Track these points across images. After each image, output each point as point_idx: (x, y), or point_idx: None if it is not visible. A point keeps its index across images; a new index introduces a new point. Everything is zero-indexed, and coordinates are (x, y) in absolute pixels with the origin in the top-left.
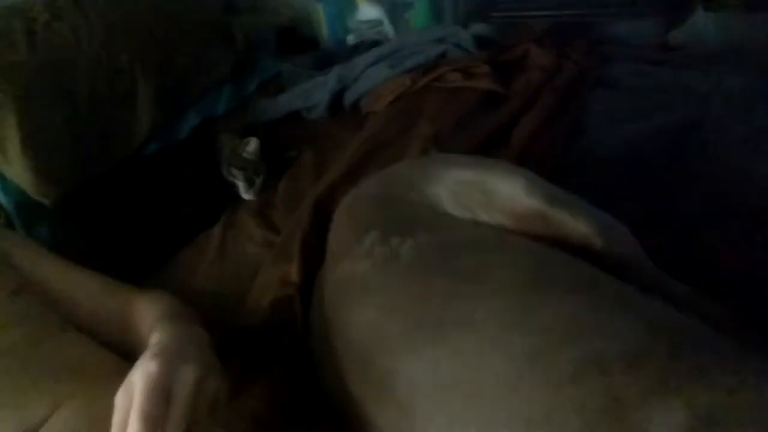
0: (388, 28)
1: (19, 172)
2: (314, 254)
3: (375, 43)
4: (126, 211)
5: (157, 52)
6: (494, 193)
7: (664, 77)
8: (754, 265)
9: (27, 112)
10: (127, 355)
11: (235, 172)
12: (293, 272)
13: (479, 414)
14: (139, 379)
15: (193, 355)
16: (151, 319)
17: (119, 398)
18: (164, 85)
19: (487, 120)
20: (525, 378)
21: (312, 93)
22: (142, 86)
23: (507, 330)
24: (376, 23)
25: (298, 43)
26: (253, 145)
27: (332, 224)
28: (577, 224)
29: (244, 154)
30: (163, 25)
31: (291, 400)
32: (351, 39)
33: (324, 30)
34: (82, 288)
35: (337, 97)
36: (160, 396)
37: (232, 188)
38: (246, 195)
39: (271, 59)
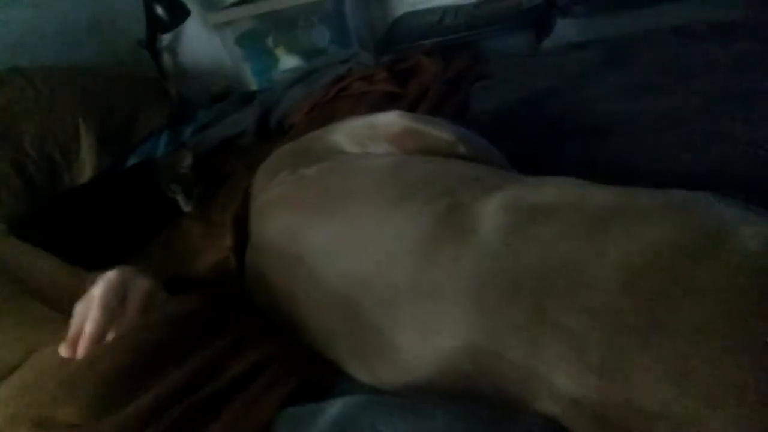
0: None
1: None
2: (245, 227)
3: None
4: (81, 229)
5: (97, 108)
6: (376, 126)
7: (536, 66)
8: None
9: None
10: None
11: (173, 187)
12: (228, 239)
13: (360, 249)
14: (99, 285)
15: (145, 274)
16: None
17: (79, 306)
18: (105, 134)
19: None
20: (391, 216)
21: (240, 121)
22: (84, 137)
23: (380, 191)
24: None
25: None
26: (187, 159)
27: (253, 180)
28: (442, 134)
29: (181, 170)
30: (102, 85)
31: (224, 296)
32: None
33: (253, 85)
34: (39, 266)
35: (263, 121)
36: (118, 294)
37: (175, 203)
38: (186, 207)
39: (205, 110)
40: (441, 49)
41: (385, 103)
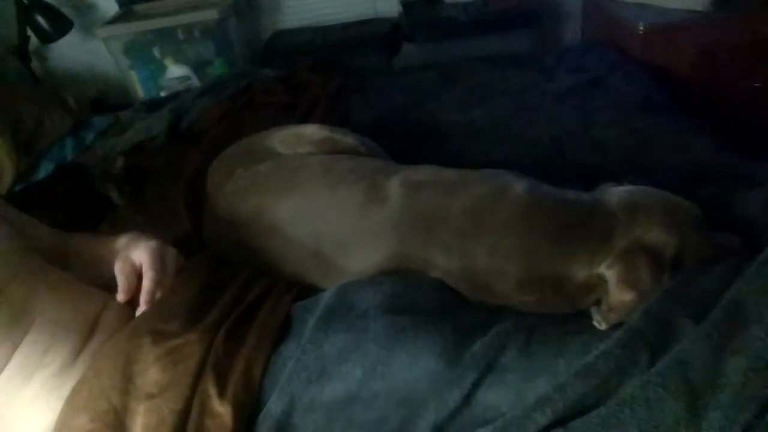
0: (195, 81)
1: None
2: (193, 210)
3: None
4: None
5: (7, 118)
6: (302, 135)
7: (393, 83)
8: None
9: None
10: None
11: (108, 185)
12: (186, 223)
13: (316, 215)
14: (144, 250)
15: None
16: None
17: (120, 267)
18: (18, 141)
19: (289, 121)
20: (334, 192)
21: (152, 126)
22: (1, 145)
23: (322, 177)
24: (184, 78)
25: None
26: (120, 162)
27: (208, 176)
28: (348, 140)
29: (113, 170)
30: (6, 94)
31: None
32: (164, 94)
33: (139, 91)
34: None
35: (174, 127)
36: (162, 260)
37: (108, 199)
38: (119, 202)
39: (101, 117)
40: (316, 64)
41: (283, 113)
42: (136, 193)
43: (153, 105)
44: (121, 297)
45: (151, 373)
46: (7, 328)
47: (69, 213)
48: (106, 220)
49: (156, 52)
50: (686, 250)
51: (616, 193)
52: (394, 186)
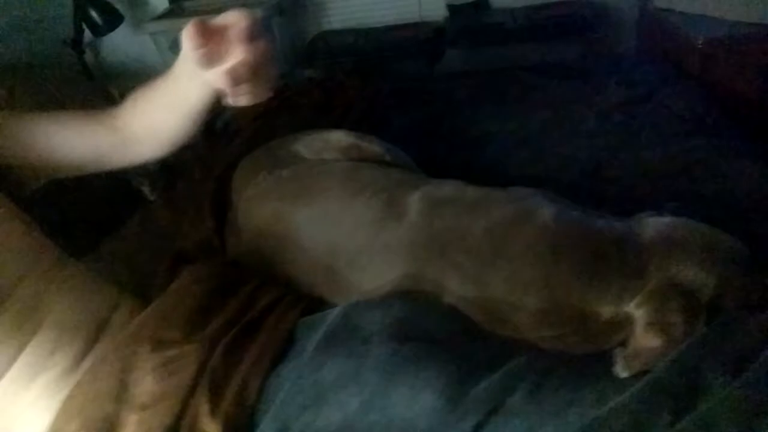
0: None
1: None
2: (219, 211)
3: None
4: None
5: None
6: (329, 141)
7: (432, 90)
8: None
9: None
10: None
11: (141, 180)
12: (209, 222)
13: (332, 226)
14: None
15: None
16: None
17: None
18: None
19: (323, 124)
20: (352, 203)
21: None
22: None
23: (342, 186)
24: None
25: None
26: (153, 164)
27: (233, 179)
28: (374, 148)
29: (150, 167)
30: (56, 85)
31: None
32: None
33: None
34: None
35: (209, 124)
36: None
37: (140, 193)
38: (151, 197)
39: None
40: (356, 67)
41: (317, 115)
42: (169, 189)
43: None
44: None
45: (146, 383)
46: (17, 327)
47: (101, 206)
48: (137, 215)
49: None
50: (726, 294)
51: (652, 225)
52: (413, 201)
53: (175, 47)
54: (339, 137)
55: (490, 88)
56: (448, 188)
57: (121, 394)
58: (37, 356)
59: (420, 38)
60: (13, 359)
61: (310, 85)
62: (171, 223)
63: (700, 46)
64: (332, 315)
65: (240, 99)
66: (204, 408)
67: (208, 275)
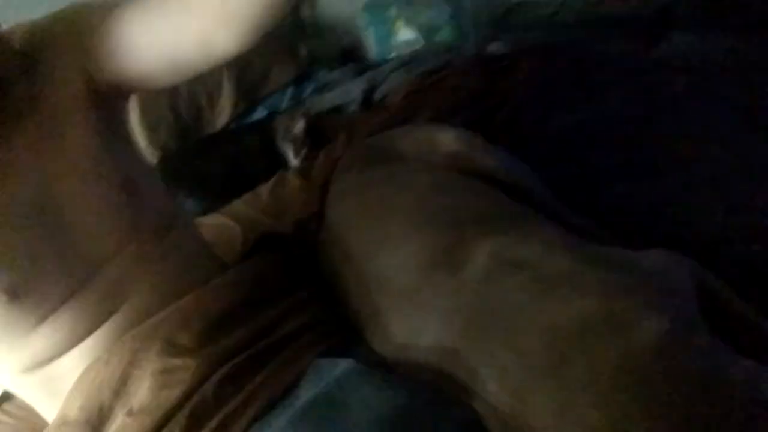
0: (420, 47)
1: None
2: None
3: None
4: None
5: (238, 62)
6: (435, 142)
7: (636, 83)
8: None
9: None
10: None
11: (286, 144)
12: (315, 204)
13: (387, 255)
14: None
15: None
16: None
17: None
18: (242, 86)
19: (472, 111)
20: (413, 235)
21: (350, 92)
22: (225, 86)
23: (413, 212)
24: (412, 43)
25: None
26: (301, 124)
27: (338, 164)
28: (486, 162)
29: (294, 131)
30: None
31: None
32: (389, 56)
33: (372, 52)
34: None
35: (367, 96)
36: None
37: (283, 156)
38: (293, 162)
39: (326, 71)
40: (546, 45)
41: (472, 101)
42: (311, 158)
43: (361, 71)
44: None
45: (142, 387)
46: (97, 306)
47: (240, 165)
48: (272, 179)
49: (392, 12)
50: None
51: None
52: (481, 253)
53: (369, 8)
54: (447, 139)
55: (711, 89)
56: (524, 250)
57: (120, 388)
58: (106, 341)
59: (639, 15)
60: (85, 335)
61: (474, 64)
62: (299, 192)
63: None
64: (336, 370)
65: None
66: None
67: (252, 277)
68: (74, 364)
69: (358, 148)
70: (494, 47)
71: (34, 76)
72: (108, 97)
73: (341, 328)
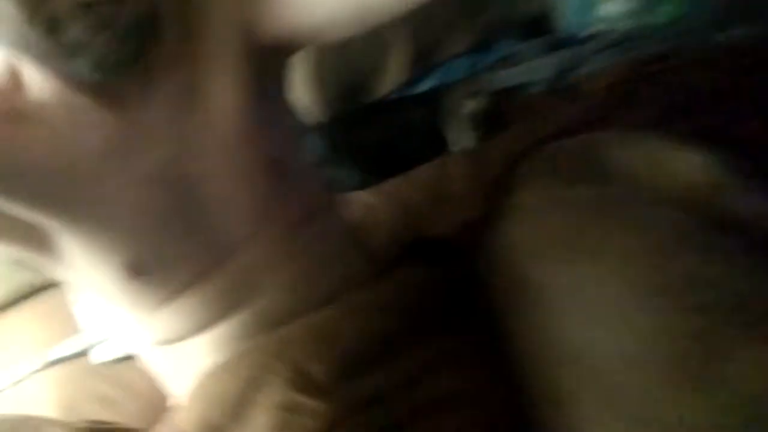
0: (630, 24)
1: (301, 95)
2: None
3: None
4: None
5: (414, 22)
6: (666, 165)
7: None
8: None
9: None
10: None
11: (454, 123)
12: (481, 206)
13: (594, 324)
14: None
15: None
16: None
17: None
18: (413, 52)
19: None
20: (637, 306)
21: (538, 70)
22: (395, 50)
23: (646, 273)
24: (623, 17)
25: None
26: (474, 102)
27: (519, 166)
28: (745, 205)
29: (466, 109)
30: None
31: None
32: (586, 31)
33: (563, 22)
34: None
35: (561, 77)
36: None
37: (449, 136)
38: (454, 147)
39: (510, 41)
40: None
41: (710, 104)
42: (485, 142)
43: (551, 46)
44: None
45: (260, 421)
46: (223, 297)
47: (398, 141)
48: (433, 161)
49: None
50: None
51: None
52: (742, 368)
53: None
54: (691, 165)
55: None
56: None
57: (238, 410)
58: (235, 334)
59: None
60: (209, 325)
61: (717, 53)
62: (465, 182)
63: None
64: None
65: None
66: None
67: (401, 299)
68: (199, 351)
69: (550, 150)
70: (739, 32)
71: (187, 26)
72: (269, 55)
73: (505, 406)
